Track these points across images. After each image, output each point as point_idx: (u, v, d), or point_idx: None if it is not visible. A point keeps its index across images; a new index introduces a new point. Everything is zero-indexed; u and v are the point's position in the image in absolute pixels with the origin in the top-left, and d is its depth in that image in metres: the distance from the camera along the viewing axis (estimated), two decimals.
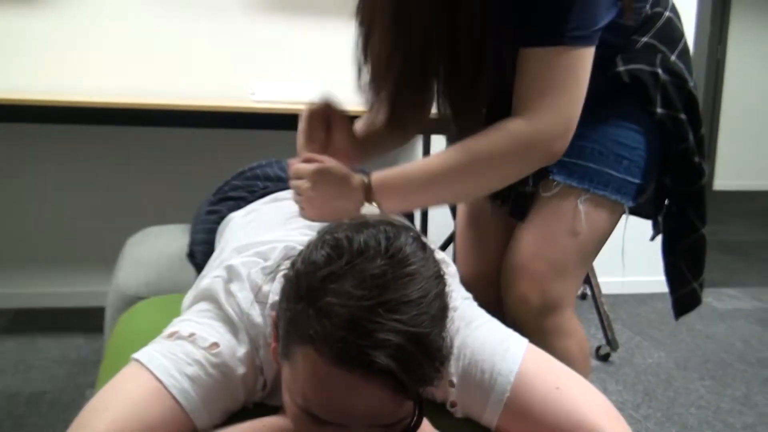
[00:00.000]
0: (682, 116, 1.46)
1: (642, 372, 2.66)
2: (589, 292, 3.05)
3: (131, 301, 1.66)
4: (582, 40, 1.25)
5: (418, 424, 0.91)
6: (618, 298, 3.40)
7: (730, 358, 2.82)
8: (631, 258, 3.17)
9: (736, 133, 6.76)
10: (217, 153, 3.13)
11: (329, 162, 1.29)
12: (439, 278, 0.93)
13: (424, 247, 0.94)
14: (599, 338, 2.90)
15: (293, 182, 1.34)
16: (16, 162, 2.98)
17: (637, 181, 1.46)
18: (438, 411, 1.06)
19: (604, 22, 1.26)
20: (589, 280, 2.92)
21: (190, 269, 1.75)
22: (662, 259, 1.62)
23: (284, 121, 2.69)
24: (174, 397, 0.95)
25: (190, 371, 0.97)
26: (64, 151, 3.02)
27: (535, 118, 1.27)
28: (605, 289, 3.07)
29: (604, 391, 2.43)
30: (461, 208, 1.75)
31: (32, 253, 3.06)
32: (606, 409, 1.03)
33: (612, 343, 2.82)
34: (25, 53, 2.90)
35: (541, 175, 1.45)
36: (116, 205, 3.08)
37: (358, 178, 1.30)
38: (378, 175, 1.29)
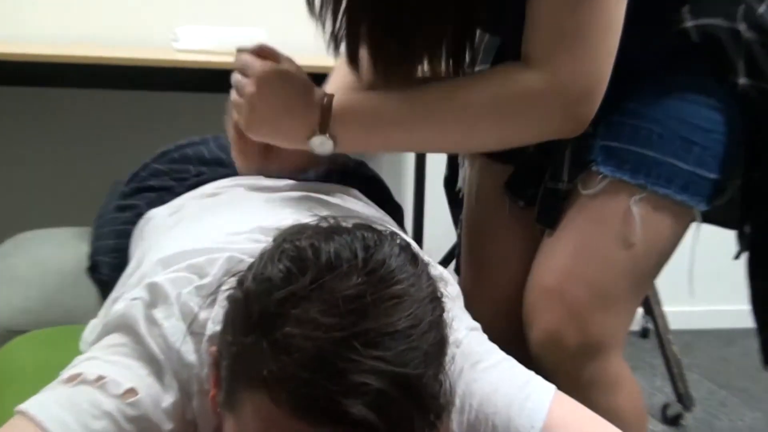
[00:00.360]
0: None
1: None
2: (651, 326, 3.16)
3: (4, 336, 1.70)
4: None
5: None
6: (694, 336, 3.53)
7: None
8: (709, 281, 3.26)
9: None
10: (126, 121, 3.21)
11: (289, 64, 1.42)
12: (435, 301, 0.99)
13: (415, 259, 1.00)
14: (667, 392, 3.03)
15: (234, 77, 1.43)
16: None
17: (712, 175, 1.51)
18: None
19: None
20: (652, 310, 3.03)
21: (90, 289, 1.80)
22: (748, 285, 1.66)
23: (217, 79, 2.81)
24: None
25: (97, 426, 1.03)
26: None
27: (550, 70, 1.37)
28: (675, 324, 3.16)
29: None
30: (468, 211, 1.85)
31: None
32: None
33: (685, 399, 2.93)
34: None
35: (581, 167, 1.52)
36: None
37: (319, 93, 1.40)
38: (342, 98, 1.39)
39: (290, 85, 1.42)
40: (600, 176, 1.50)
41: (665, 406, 2.93)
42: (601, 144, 1.51)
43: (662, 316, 3.03)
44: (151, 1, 3.22)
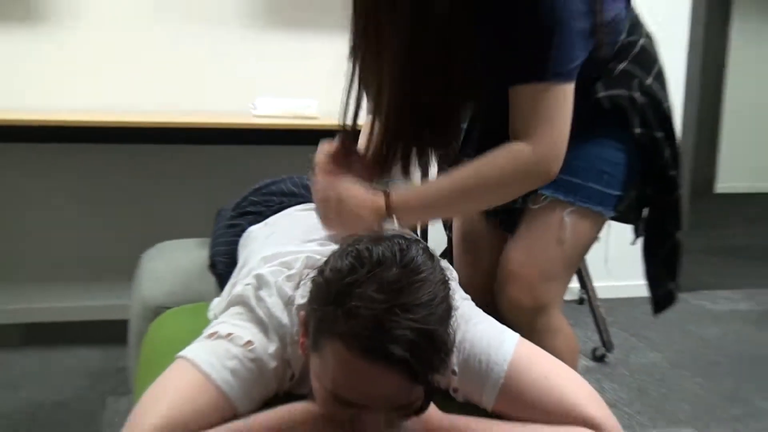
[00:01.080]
0: (658, 134, 1.56)
1: (636, 371, 2.80)
2: (585, 296, 3.16)
3: (156, 311, 1.75)
4: (562, 77, 1.37)
5: (426, 406, 1.04)
6: (614, 302, 3.49)
7: (722, 356, 2.97)
8: (627, 263, 3.28)
9: (737, 136, 6.81)
10: (221, 168, 3.19)
11: (350, 188, 1.39)
12: (445, 283, 1.05)
13: (432, 257, 1.06)
14: (595, 340, 3.01)
15: (319, 207, 1.42)
16: (30, 180, 3.05)
17: (616, 193, 1.57)
18: (442, 396, 1.16)
19: (580, 60, 1.38)
20: (586, 284, 3.04)
21: (210, 279, 1.80)
22: (642, 262, 1.73)
23: (286, 136, 2.81)
24: (219, 388, 1.08)
25: (230, 365, 1.10)
26: (73, 170, 3.08)
27: (533, 144, 1.38)
28: (602, 294, 3.17)
29: (600, 389, 2.58)
30: (456, 224, 1.86)
31: (46, 267, 3.12)
32: (593, 398, 1.15)
33: (607, 344, 2.95)
34: (33, 75, 2.97)
35: (531, 191, 1.54)
36: (125, 222, 3.15)
37: (377, 202, 1.39)
38: (398, 196, 1.39)
39: (354, 204, 1.40)
40: (543, 196, 1.54)
41: (594, 349, 2.95)
42: None
43: (593, 289, 3.04)
44: (234, 82, 3.15)
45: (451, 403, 1.18)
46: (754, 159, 6.91)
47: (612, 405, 2.51)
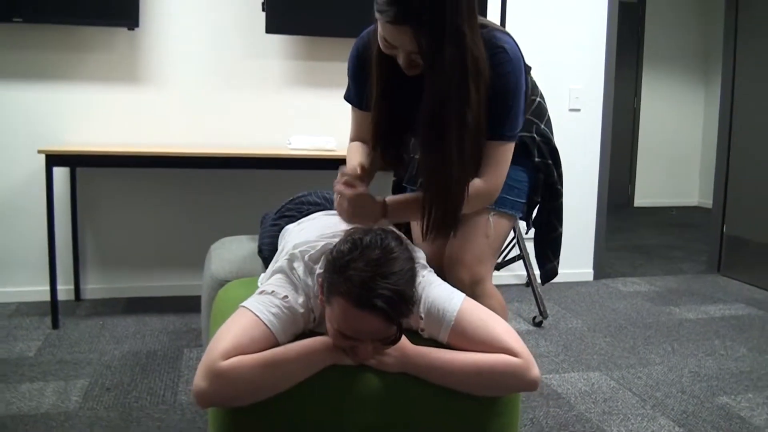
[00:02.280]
0: (549, 162, 1.66)
1: (563, 333, 2.86)
2: (528, 280, 3.15)
3: (222, 283, 1.82)
4: (512, 138, 1.47)
5: (399, 339, 1.17)
6: (550, 285, 3.49)
7: (626, 323, 3.02)
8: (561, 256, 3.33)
9: (649, 163, 6.86)
10: (266, 186, 3.23)
11: (361, 193, 1.42)
12: (411, 260, 1.17)
13: (401, 242, 1.18)
14: (535, 311, 3.06)
15: (338, 201, 1.44)
16: (132, 195, 3.12)
17: (522, 201, 1.65)
18: (413, 334, 1.28)
19: (521, 126, 1.49)
20: (528, 271, 3.08)
21: (258, 261, 1.90)
22: (534, 248, 1.79)
23: (312, 163, 2.86)
24: (266, 325, 1.19)
25: (273, 311, 1.22)
26: (163, 187, 3.15)
27: (486, 182, 1.46)
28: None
29: (536, 346, 2.66)
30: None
31: (141, 256, 3.17)
32: (513, 336, 1.24)
33: (543, 314, 2.98)
34: (134, 119, 3.05)
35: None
36: (199, 224, 3.19)
37: (378, 203, 1.43)
38: (391, 201, 1.45)
39: (363, 202, 1.42)
40: None
41: (534, 317, 2.99)
42: None
43: (534, 275, 3.05)
44: (276, 125, 3.20)
45: (419, 339, 1.27)
46: (662, 181, 6.95)
47: (543, 356, 2.58)
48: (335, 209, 1.49)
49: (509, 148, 1.48)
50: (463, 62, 1.30)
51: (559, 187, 1.72)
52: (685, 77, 6.79)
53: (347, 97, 1.65)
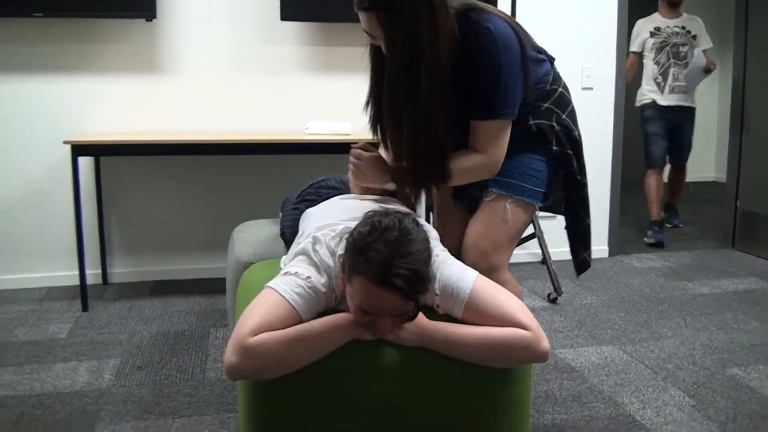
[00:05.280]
0: (569, 151, 1.66)
1: (578, 309, 2.90)
2: (544, 258, 3.18)
3: (246, 265, 1.86)
4: (506, 115, 1.51)
5: (416, 315, 1.22)
6: (566, 262, 3.46)
7: (639, 298, 3.06)
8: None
9: None
10: (285, 170, 3.28)
11: (377, 156, 1.57)
12: (427, 241, 1.21)
13: (418, 224, 1.22)
14: (550, 288, 3.10)
15: (353, 160, 1.56)
16: (158, 181, 3.18)
17: (542, 190, 1.65)
18: (429, 310, 1.30)
19: (515, 107, 1.52)
20: (543, 250, 3.12)
21: (280, 243, 1.93)
22: (567, 239, 1.79)
23: (329, 147, 2.92)
24: (290, 303, 1.23)
25: (297, 290, 1.25)
26: (187, 173, 3.21)
27: (485, 156, 1.53)
28: (557, 257, 3.23)
29: (551, 322, 2.71)
30: (436, 204, 1.89)
31: (165, 241, 3.24)
32: (524, 311, 1.27)
33: (558, 290, 3.02)
34: (153, 107, 3.11)
35: (484, 187, 1.64)
36: (218, 209, 3.25)
37: (389, 168, 1.55)
38: (395, 166, 1.55)
39: (378, 164, 1.56)
40: (492, 192, 1.63)
41: (549, 294, 3.03)
42: (492, 179, 1.62)
43: (548, 253, 3.11)
44: (293, 111, 3.23)
45: (435, 315, 1.31)
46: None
47: (558, 331, 2.64)
48: (349, 177, 1.61)
49: (505, 125, 1.53)
50: (415, 46, 1.41)
51: (579, 177, 1.70)
52: None
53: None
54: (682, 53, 4.04)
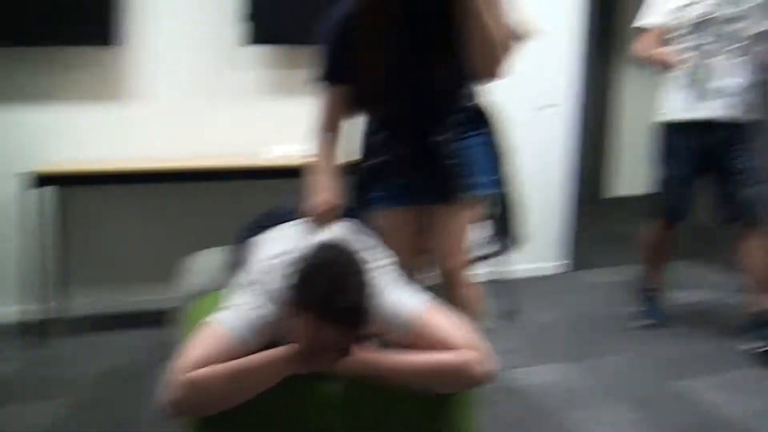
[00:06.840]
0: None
1: (531, 327, 2.91)
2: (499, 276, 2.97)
3: (193, 296, 1.86)
4: None
5: (358, 346, 1.23)
6: (528, 279, 3.48)
7: (594, 314, 3.08)
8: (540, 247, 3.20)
9: (632, 152, 6.93)
10: (250, 196, 2.93)
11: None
12: (367, 273, 1.22)
13: (358, 257, 1.23)
14: (506, 305, 2.98)
15: (307, 215, 1.59)
16: (114, 210, 3.09)
17: (489, 177, 1.80)
18: (372, 338, 1.31)
19: None
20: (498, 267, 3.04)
21: (229, 273, 1.73)
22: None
23: (287, 172, 2.68)
24: (235, 336, 1.23)
25: (243, 321, 1.26)
26: (145, 202, 3.12)
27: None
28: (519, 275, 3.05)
29: (505, 341, 2.67)
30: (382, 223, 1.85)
31: (118, 273, 3.13)
32: (468, 334, 1.29)
33: (513, 309, 2.95)
34: (124, 133, 3.04)
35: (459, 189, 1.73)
36: (172, 238, 3.14)
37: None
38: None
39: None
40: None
41: (502, 312, 2.94)
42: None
43: (504, 270, 2.69)
44: (252, 135, 3.17)
45: (378, 343, 1.33)
46: (646, 169, 6.84)
47: (512, 351, 2.62)
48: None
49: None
50: None
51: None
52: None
53: (326, 75, 1.68)
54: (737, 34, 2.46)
